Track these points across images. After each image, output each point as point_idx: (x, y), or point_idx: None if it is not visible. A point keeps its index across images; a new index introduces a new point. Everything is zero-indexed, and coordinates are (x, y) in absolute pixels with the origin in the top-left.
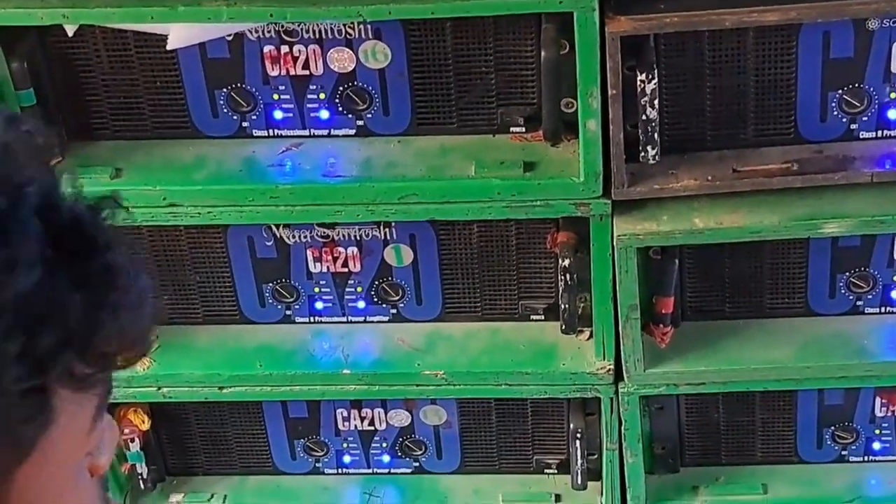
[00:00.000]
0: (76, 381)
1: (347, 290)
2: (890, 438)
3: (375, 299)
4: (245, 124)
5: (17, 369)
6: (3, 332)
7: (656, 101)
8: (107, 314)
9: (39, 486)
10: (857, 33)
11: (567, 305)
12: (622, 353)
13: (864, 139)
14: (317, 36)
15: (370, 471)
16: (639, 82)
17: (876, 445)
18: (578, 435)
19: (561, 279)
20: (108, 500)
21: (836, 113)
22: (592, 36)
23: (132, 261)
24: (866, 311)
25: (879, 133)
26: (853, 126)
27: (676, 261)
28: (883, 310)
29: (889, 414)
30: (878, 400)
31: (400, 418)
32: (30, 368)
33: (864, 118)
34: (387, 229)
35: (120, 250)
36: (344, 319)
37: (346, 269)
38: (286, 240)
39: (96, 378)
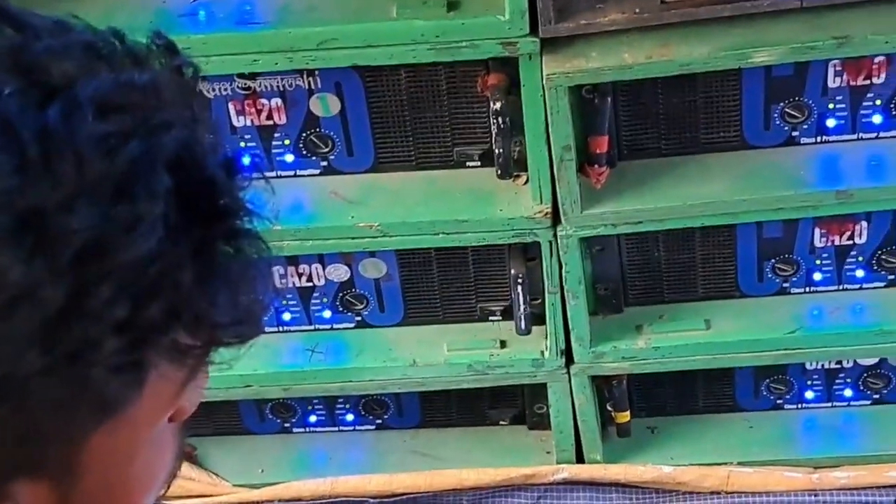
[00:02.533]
0: (178, 353)
1: (274, 143)
2: (831, 269)
3: (304, 152)
4: None
5: (117, 341)
6: (107, 298)
7: None
8: (224, 286)
9: (114, 446)
10: None
11: (501, 150)
12: (558, 195)
13: None
14: None
15: (312, 327)
16: None
17: (817, 276)
18: (520, 280)
19: (493, 123)
20: (183, 445)
21: None
22: None
23: (257, 231)
24: (802, 142)
25: None
26: None
27: (609, 99)
28: (818, 139)
29: (829, 244)
30: (816, 231)
31: (339, 273)
32: (130, 342)
33: None
34: (310, 78)
35: (248, 217)
36: (273, 174)
37: (270, 122)
38: (205, 93)
39: (200, 352)
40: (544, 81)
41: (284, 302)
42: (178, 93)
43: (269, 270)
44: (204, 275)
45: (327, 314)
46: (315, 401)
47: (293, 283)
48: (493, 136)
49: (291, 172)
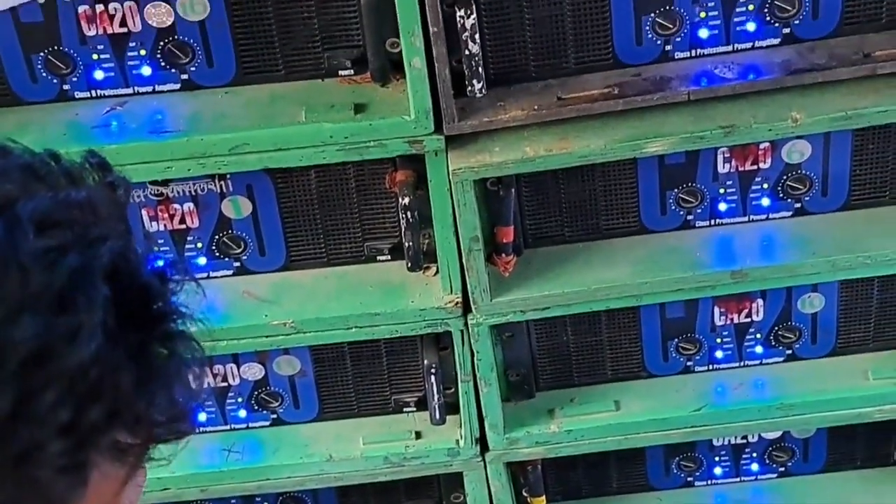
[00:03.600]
0: (119, 452)
1: (187, 247)
2: (731, 346)
3: (217, 254)
4: (66, 87)
5: (61, 443)
6: (51, 403)
7: (477, 36)
8: (161, 386)
9: None
10: None
11: (411, 243)
12: (468, 285)
13: (678, 59)
14: None
15: (228, 427)
16: (458, 18)
17: (718, 354)
18: (433, 370)
19: (402, 218)
20: None
21: (650, 36)
22: None
23: (189, 331)
24: (697, 225)
25: (693, 52)
26: (668, 48)
27: (513, 190)
28: (712, 222)
29: (728, 322)
30: (716, 310)
31: (253, 371)
32: (74, 443)
33: (678, 39)
34: (222, 182)
35: (181, 319)
36: (183, 285)
37: (183, 226)
38: None
39: (139, 449)
40: (450, 176)
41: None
42: (112, 207)
43: (203, 369)
44: (142, 376)
45: (243, 413)
46: (233, 501)
47: (208, 384)
48: (403, 230)
49: (204, 274)
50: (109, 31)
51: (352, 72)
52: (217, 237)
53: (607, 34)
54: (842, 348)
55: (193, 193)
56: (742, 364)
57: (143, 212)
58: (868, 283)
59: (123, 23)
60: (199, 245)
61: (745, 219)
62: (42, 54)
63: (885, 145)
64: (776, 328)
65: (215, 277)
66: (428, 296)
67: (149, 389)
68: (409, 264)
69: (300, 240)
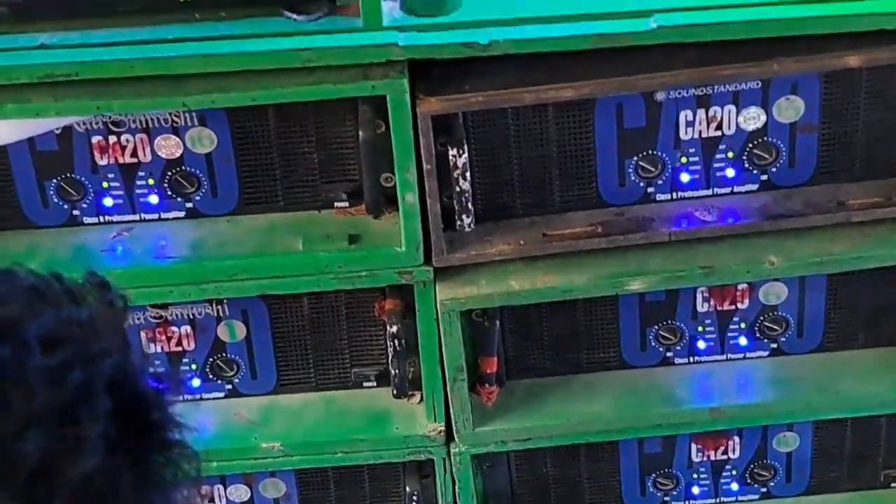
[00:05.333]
0: None
1: (182, 368)
2: (707, 482)
3: (210, 376)
4: (75, 213)
5: None
6: None
7: (468, 174)
8: (159, 493)
9: None
10: (647, 105)
11: (397, 371)
12: (452, 414)
13: (660, 201)
14: (144, 125)
15: None
16: (451, 157)
17: (695, 490)
18: (414, 497)
19: (390, 345)
20: None
21: (633, 178)
22: (405, 116)
23: (184, 438)
24: (675, 362)
25: (674, 195)
26: (650, 189)
27: (497, 322)
28: (690, 360)
29: (705, 459)
30: (693, 446)
31: (239, 493)
32: None
33: (660, 182)
34: (219, 306)
35: (177, 429)
36: (179, 398)
37: (179, 348)
38: None
39: None
40: (438, 307)
41: None
42: (111, 323)
43: (199, 477)
44: (141, 483)
45: None
46: None
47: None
48: (389, 357)
49: (197, 396)
50: (121, 160)
51: (347, 204)
52: (211, 360)
53: (592, 175)
54: (815, 487)
55: (191, 317)
56: (718, 501)
57: (142, 333)
58: (842, 423)
59: (134, 153)
60: (194, 367)
61: (723, 357)
62: (55, 181)
63: (859, 291)
64: (752, 466)
65: (207, 399)
66: (412, 423)
67: (148, 495)
68: (395, 391)
69: (290, 364)
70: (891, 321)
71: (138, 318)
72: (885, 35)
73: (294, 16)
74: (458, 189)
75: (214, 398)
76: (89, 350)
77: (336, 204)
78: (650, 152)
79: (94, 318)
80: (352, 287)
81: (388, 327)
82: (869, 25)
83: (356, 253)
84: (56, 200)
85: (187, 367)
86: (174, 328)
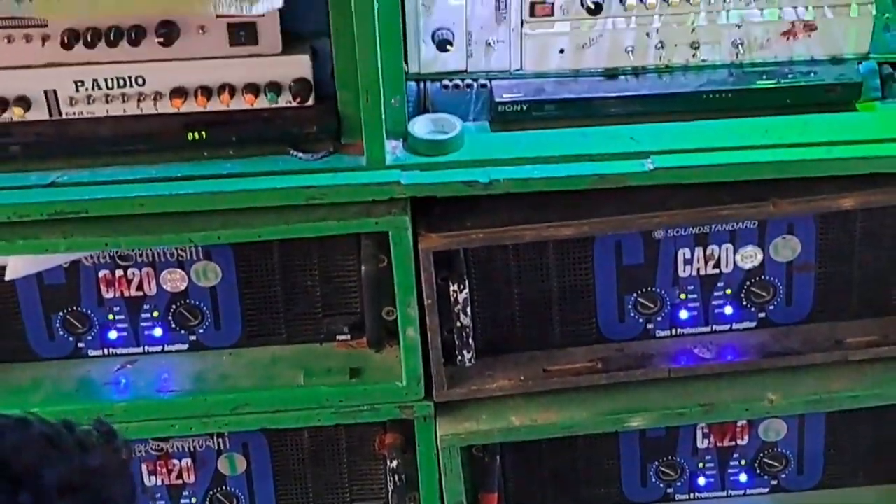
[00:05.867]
0: None
1: (182, 502)
2: None
3: None
4: (80, 345)
5: None
6: None
7: (469, 309)
8: None
9: None
10: (645, 243)
11: None
12: None
13: (659, 338)
14: (150, 259)
15: None
16: (451, 292)
17: None
18: None
19: (390, 481)
20: None
21: (632, 314)
22: (407, 252)
23: None
24: (677, 498)
25: (673, 332)
26: (649, 326)
27: (498, 457)
28: (691, 496)
29: None
30: None
31: None
32: None
33: (659, 318)
34: (220, 439)
35: None
36: None
37: (180, 481)
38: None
39: None
40: (438, 442)
41: None
42: (119, 470)
43: None
44: None
45: None
46: None
47: None
48: (389, 492)
49: None
50: (126, 294)
51: (349, 337)
52: (211, 493)
53: (592, 311)
54: None
55: (192, 449)
56: None
57: (143, 466)
58: None
59: (140, 287)
60: (194, 500)
61: (724, 493)
62: (61, 314)
63: (858, 428)
64: None
65: None
66: None
67: None
68: None
69: (290, 497)
70: (891, 458)
71: (140, 451)
72: (879, 178)
73: (300, 154)
74: (458, 324)
75: None
76: (100, 494)
77: (338, 337)
78: (649, 289)
79: (103, 467)
80: (353, 422)
81: (388, 462)
82: (862, 169)
83: (357, 387)
84: (62, 333)
85: (187, 501)
86: (175, 461)
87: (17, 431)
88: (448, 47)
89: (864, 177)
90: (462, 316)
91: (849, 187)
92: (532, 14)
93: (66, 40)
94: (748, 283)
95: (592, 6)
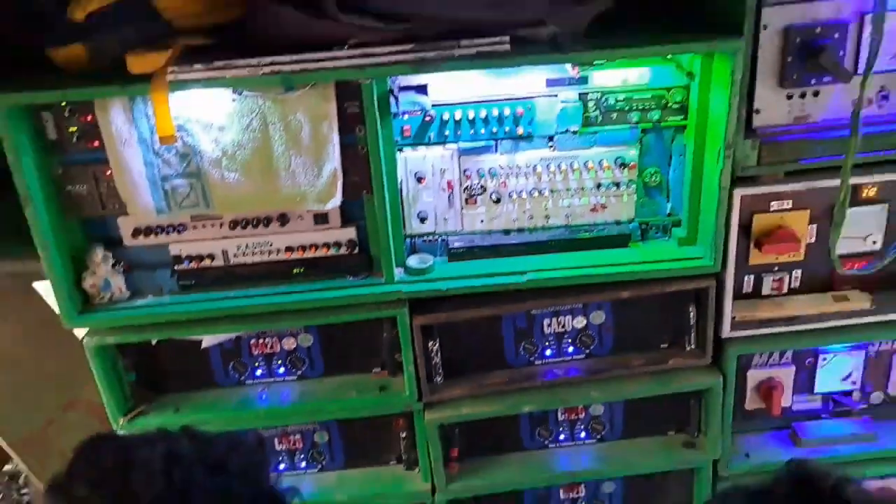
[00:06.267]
0: None
1: (295, 458)
2: None
3: (310, 459)
4: (242, 378)
5: None
6: None
7: (439, 354)
8: None
9: None
10: (527, 317)
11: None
12: None
13: (537, 365)
14: (277, 333)
15: None
16: (430, 345)
17: None
18: None
19: (402, 444)
20: None
21: (522, 353)
22: (406, 327)
23: None
24: (549, 446)
25: (543, 362)
26: (531, 359)
27: (456, 430)
28: (557, 444)
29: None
30: None
31: None
32: None
33: (536, 355)
34: (315, 424)
35: None
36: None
37: (295, 447)
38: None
39: None
40: (426, 423)
41: None
42: (263, 470)
43: None
44: None
45: None
46: None
47: None
48: (402, 450)
49: (302, 472)
50: (265, 351)
51: (379, 369)
52: (311, 453)
53: (502, 352)
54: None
55: (301, 431)
56: None
57: (276, 440)
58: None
59: (272, 347)
60: (301, 457)
61: (573, 443)
62: (232, 363)
63: (640, 407)
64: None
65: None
66: None
67: None
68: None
69: (353, 454)
70: (658, 420)
71: (274, 432)
72: (641, 282)
73: (351, 278)
74: (434, 362)
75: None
76: (258, 478)
77: (373, 370)
78: (531, 340)
79: (256, 466)
80: (383, 413)
81: (400, 434)
82: (631, 277)
83: (383, 398)
84: (232, 372)
85: (298, 457)
86: (291, 437)
87: (203, 434)
88: (425, 220)
89: (633, 281)
90: (435, 358)
91: (625, 286)
92: (467, 203)
93: (231, 225)
94: (580, 335)
95: (495, 200)
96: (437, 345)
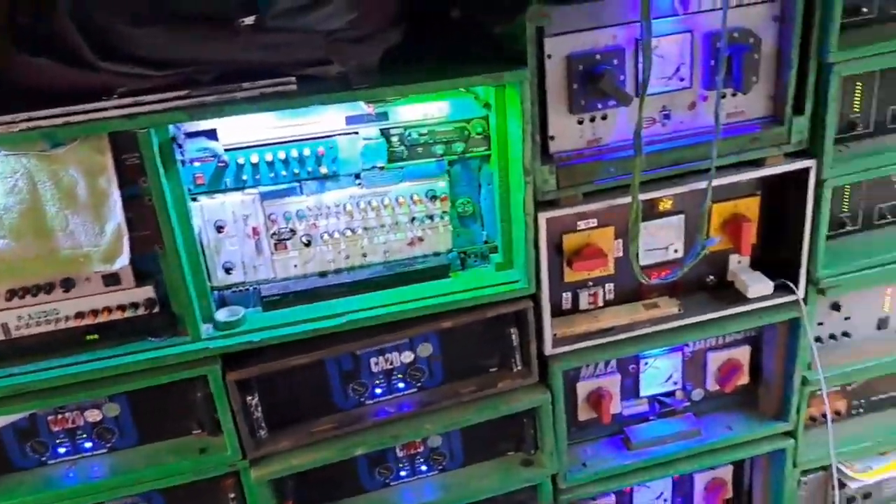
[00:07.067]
0: None
1: None
2: None
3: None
4: (43, 459)
5: None
6: None
7: (259, 407)
8: None
9: None
10: (353, 357)
11: None
12: None
13: (367, 405)
14: (78, 405)
15: None
16: (248, 400)
17: None
18: None
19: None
20: None
21: (351, 395)
22: (220, 383)
23: None
24: (391, 484)
25: (374, 401)
26: (361, 399)
27: (290, 480)
28: (399, 481)
29: None
30: None
31: None
32: None
33: (366, 395)
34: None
35: None
36: None
37: None
38: None
39: None
40: (253, 480)
41: None
42: None
43: None
44: None
45: None
46: None
47: None
48: None
49: None
50: (67, 426)
51: (200, 430)
52: None
53: (330, 396)
54: None
55: None
56: None
57: None
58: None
59: (74, 421)
60: None
61: (415, 478)
62: (29, 443)
63: (475, 433)
64: None
65: None
66: None
67: None
68: None
69: None
70: (492, 443)
71: None
72: (463, 310)
73: (153, 339)
74: (255, 417)
75: None
76: None
77: (193, 431)
78: (359, 381)
79: None
80: (208, 476)
81: (229, 494)
82: (453, 306)
83: (204, 460)
84: (30, 453)
85: None
86: None
87: None
88: (230, 271)
89: (455, 310)
90: (256, 412)
91: (447, 316)
92: (276, 248)
93: (8, 296)
94: (409, 369)
95: (306, 243)
96: (256, 398)
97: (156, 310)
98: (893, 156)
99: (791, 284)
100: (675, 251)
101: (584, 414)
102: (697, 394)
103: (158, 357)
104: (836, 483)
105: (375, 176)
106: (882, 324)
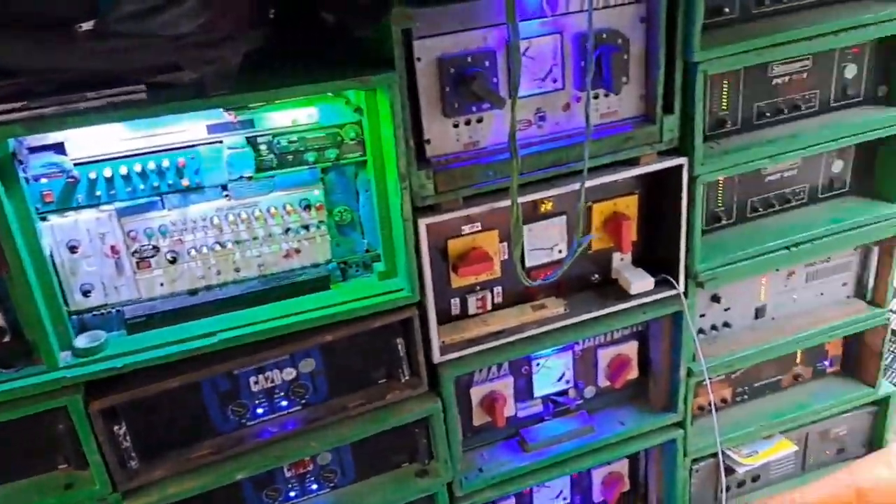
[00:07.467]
0: None
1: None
2: None
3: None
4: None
5: None
6: None
7: (128, 437)
8: None
9: None
10: (230, 378)
11: None
12: None
13: (249, 426)
14: None
15: None
16: (115, 430)
17: None
18: None
19: None
20: None
21: (231, 416)
22: (81, 413)
23: None
24: None
25: (255, 422)
26: (242, 421)
27: None
28: (290, 501)
29: None
30: None
31: None
32: None
33: (247, 416)
34: None
35: None
36: None
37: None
38: None
39: None
40: None
41: None
42: None
43: None
44: None
45: None
46: None
47: None
48: None
49: None
50: None
51: (66, 465)
52: None
53: (208, 420)
54: None
55: None
56: None
57: None
58: None
59: None
60: None
61: (305, 497)
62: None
63: (366, 448)
64: None
65: None
66: None
67: None
68: None
69: None
70: (385, 456)
71: None
72: (342, 323)
73: (4, 371)
74: (124, 447)
75: None
76: None
77: (59, 466)
78: (238, 401)
79: None
80: None
81: None
82: (332, 319)
83: (71, 496)
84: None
85: None
86: None
87: None
88: (89, 294)
89: (337, 323)
90: (125, 441)
91: (329, 329)
92: (139, 267)
93: None
94: (292, 386)
95: (171, 259)
96: (124, 427)
97: (6, 339)
98: (761, 151)
99: (671, 279)
100: (560, 251)
101: (479, 419)
102: (590, 391)
103: (9, 389)
104: (723, 469)
105: (243, 187)
106: (759, 312)
